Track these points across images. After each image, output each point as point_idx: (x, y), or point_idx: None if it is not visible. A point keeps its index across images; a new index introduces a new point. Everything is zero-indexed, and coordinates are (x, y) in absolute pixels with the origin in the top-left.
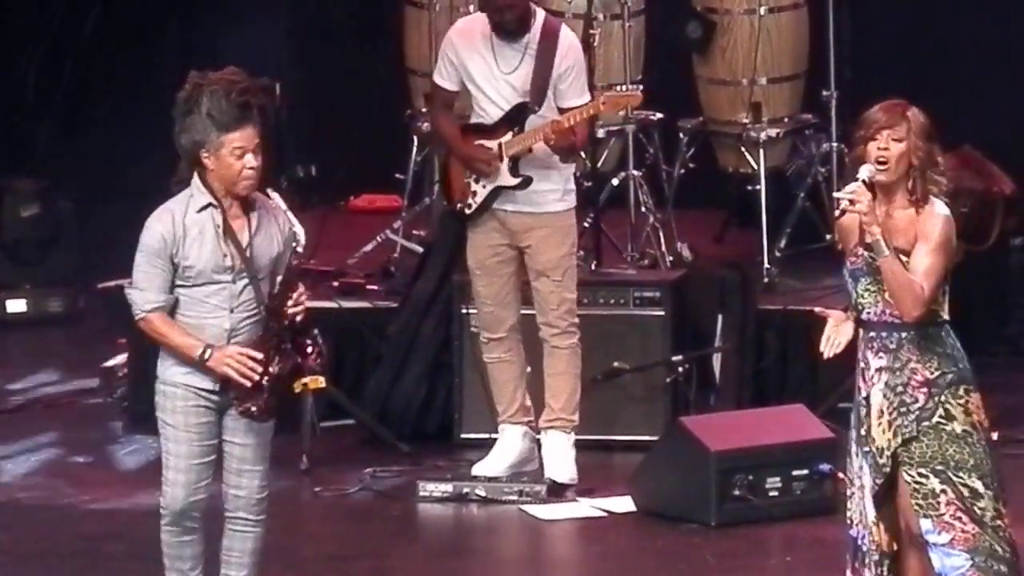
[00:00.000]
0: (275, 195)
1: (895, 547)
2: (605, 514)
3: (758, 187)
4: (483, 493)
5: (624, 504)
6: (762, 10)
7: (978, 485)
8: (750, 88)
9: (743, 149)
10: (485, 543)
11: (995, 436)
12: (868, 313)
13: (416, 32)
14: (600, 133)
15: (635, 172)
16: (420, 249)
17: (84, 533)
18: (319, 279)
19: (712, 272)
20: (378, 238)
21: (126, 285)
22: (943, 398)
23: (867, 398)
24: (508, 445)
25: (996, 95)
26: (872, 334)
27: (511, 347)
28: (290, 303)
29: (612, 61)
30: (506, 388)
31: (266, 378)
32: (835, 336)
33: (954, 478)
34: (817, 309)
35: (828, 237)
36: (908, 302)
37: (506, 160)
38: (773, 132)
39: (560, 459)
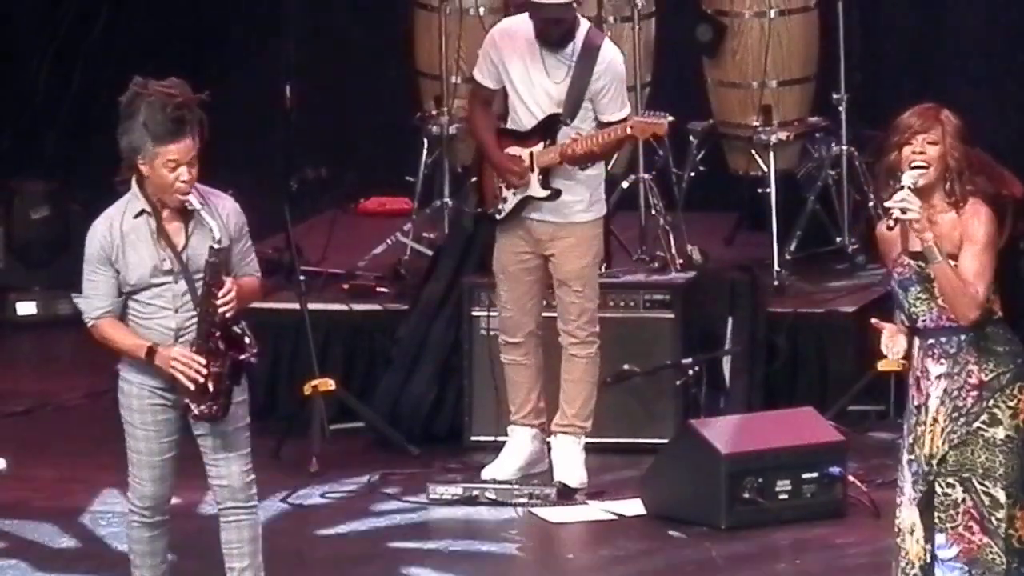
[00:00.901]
0: (191, 196)
1: (925, 560)
2: (615, 517)
3: (768, 190)
4: (493, 496)
5: (634, 507)
6: (772, 13)
7: (1000, 495)
8: (760, 91)
9: (753, 152)
10: (495, 546)
11: None
12: (924, 321)
13: (426, 35)
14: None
15: (645, 175)
16: (430, 252)
17: (94, 536)
18: (330, 281)
19: (722, 275)
20: (388, 240)
21: (73, 295)
22: (992, 402)
23: (920, 407)
24: (518, 447)
25: (1006, 98)
26: (931, 341)
27: (528, 351)
28: (217, 301)
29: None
30: (520, 390)
31: (210, 380)
32: (893, 345)
33: (977, 486)
34: (873, 321)
35: (839, 240)
36: (964, 306)
37: (536, 171)
38: (783, 135)
39: (570, 463)
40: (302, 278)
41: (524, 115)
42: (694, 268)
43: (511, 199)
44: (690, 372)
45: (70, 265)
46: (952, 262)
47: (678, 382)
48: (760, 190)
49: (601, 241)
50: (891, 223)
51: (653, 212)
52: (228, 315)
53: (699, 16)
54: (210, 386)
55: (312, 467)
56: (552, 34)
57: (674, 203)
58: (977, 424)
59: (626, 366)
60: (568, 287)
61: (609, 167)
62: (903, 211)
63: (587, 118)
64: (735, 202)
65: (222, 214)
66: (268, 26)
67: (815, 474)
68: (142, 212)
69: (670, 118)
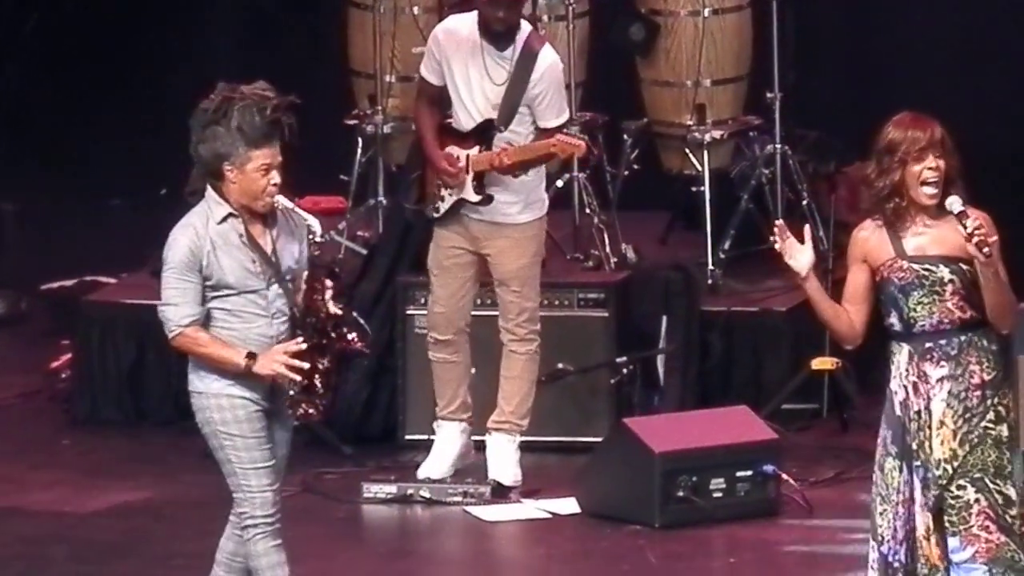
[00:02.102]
0: (279, 196)
1: (946, 563)
2: (549, 515)
3: (702, 189)
4: (427, 494)
5: (568, 505)
6: (706, 12)
7: (1012, 492)
8: (694, 90)
9: (687, 151)
10: (429, 545)
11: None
12: (922, 325)
13: (360, 34)
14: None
15: (579, 174)
16: (364, 251)
17: (27, 536)
18: None
19: (656, 274)
20: (323, 239)
21: (157, 306)
22: (995, 400)
23: (920, 412)
24: (448, 442)
25: (939, 96)
26: (929, 344)
27: (457, 349)
28: (319, 296)
29: None
30: (448, 387)
31: (317, 377)
32: (797, 255)
33: (990, 485)
34: (778, 223)
35: (772, 239)
36: (1011, 316)
37: (471, 175)
38: (717, 134)
39: (505, 462)
40: None
41: (464, 116)
42: (628, 267)
43: (448, 199)
44: (624, 371)
45: (2, 265)
46: (967, 266)
47: (612, 381)
48: (694, 189)
49: (541, 241)
50: (987, 252)
51: (587, 211)
52: (332, 310)
53: (633, 15)
54: (317, 383)
55: None
56: (498, 22)
57: (608, 202)
58: (984, 423)
59: (560, 365)
60: (506, 287)
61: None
62: (986, 239)
63: (525, 123)
64: (669, 201)
65: (291, 219)
66: (201, 25)
67: (749, 472)
68: (227, 217)
69: (586, 137)
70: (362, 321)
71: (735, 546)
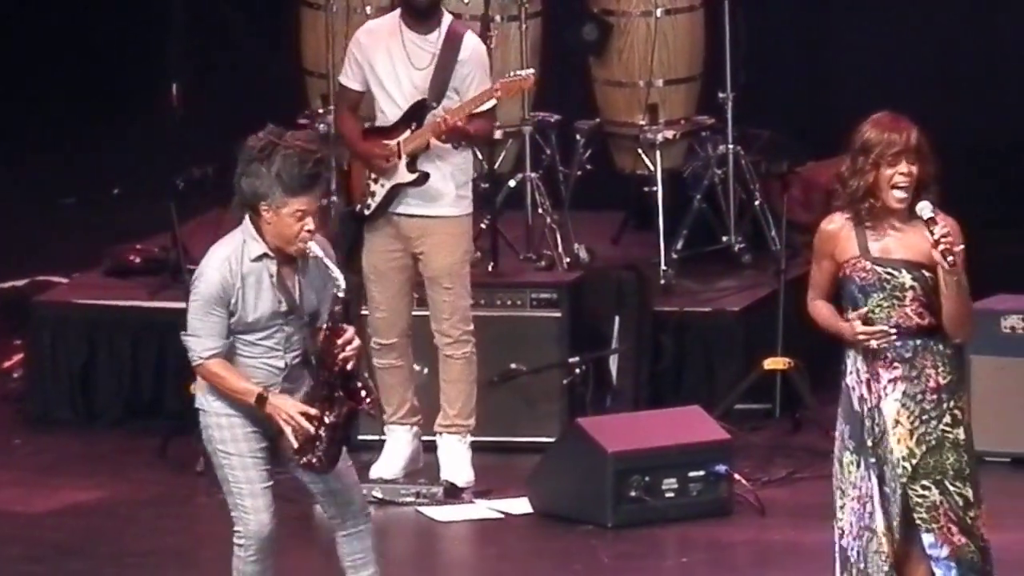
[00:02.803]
0: (312, 243)
1: (906, 557)
2: (502, 515)
3: (655, 189)
4: (379, 495)
5: (521, 505)
6: (658, 12)
7: (970, 494)
8: (647, 90)
9: (640, 151)
10: (381, 545)
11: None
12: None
13: (312, 33)
14: (497, 134)
15: (532, 174)
16: None
17: None
18: None
19: (609, 274)
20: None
21: (182, 333)
22: (951, 404)
23: (873, 410)
24: (398, 446)
25: (891, 96)
26: (884, 346)
27: (401, 352)
28: (337, 350)
29: (509, 63)
30: (395, 392)
31: (323, 429)
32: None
33: (950, 487)
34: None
35: (725, 239)
36: (968, 327)
37: (404, 157)
38: (670, 134)
39: (456, 462)
40: (188, 277)
41: (390, 109)
42: (581, 267)
43: (379, 191)
44: (577, 371)
45: None
46: (929, 273)
47: (565, 381)
48: (646, 189)
49: (470, 239)
50: (952, 260)
51: (540, 211)
52: (349, 365)
53: (585, 15)
54: (322, 434)
55: (199, 466)
56: (419, 1)
57: (561, 202)
58: (941, 426)
59: (513, 365)
60: (439, 284)
61: (496, 165)
62: (952, 247)
63: (454, 106)
64: (622, 201)
65: (319, 267)
66: (155, 24)
67: (701, 472)
68: (262, 256)
69: (533, 70)
70: (368, 383)
71: (687, 546)
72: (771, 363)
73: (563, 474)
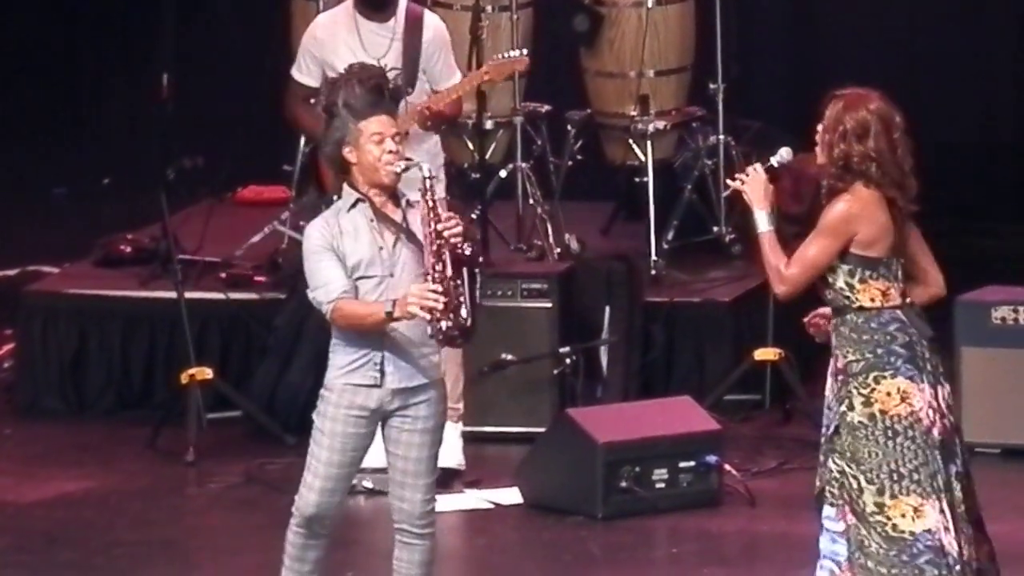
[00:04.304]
0: (400, 165)
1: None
2: (492, 506)
3: (645, 179)
4: (370, 484)
5: (511, 496)
6: (649, 2)
7: (861, 479)
8: (637, 81)
9: (630, 141)
10: (371, 535)
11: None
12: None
13: (303, 23)
14: (488, 124)
15: (523, 164)
16: None
17: None
18: (206, 270)
19: (599, 264)
20: (265, 229)
21: (307, 292)
22: (849, 387)
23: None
24: None
25: (882, 88)
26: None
27: None
28: (440, 226)
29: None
30: None
31: (453, 293)
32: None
33: (847, 469)
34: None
35: (715, 230)
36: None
37: None
38: (660, 124)
39: (448, 446)
40: (179, 267)
41: None
42: (571, 257)
43: None
44: (567, 361)
45: None
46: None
47: (555, 371)
48: (637, 179)
49: None
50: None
51: (531, 201)
52: (455, 240)
53: (576, 6)
54: (454, 296)
55: (188, 456)
56: None
57: (551, 192)
58: (842, 408)
59: (503, 355)
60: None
61: (487, 155)
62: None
63: (422, 91)
64: (612, 191)
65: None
66: (145, 16)
67: (692, 463)
68: (356, 203)
69: (524, 51)
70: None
71: (678, 536)
72: (761, 354)
73: (553, 465)
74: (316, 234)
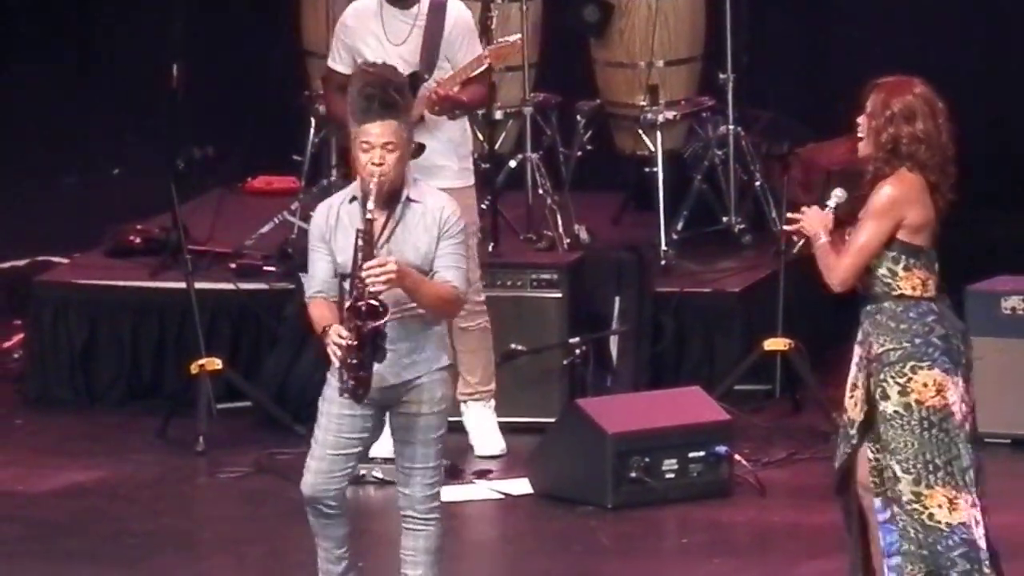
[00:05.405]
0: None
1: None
2: (502, 496)
3: (655, 169)
4: (380, 475)
5: (521, 486)
6: None
7: (897, 468)
8: (647, 71)
9: (640, 131)
10: (382, 525)
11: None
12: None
13: (313, 13)
14: (498, 115)
15: (532, 154)
16: None
17: None
18: (216, 261)
19: (609, 254)
20: (275, 219)
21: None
22: (882, 376)
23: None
24: None
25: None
26: (864, 308)
27: None
28: (363, 272)
29: None
30: None
31: (350, 352)
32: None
33: (883, 459)
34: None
35: (725, 220)
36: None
37: None
38: (670, 114)
39: (486, 432)
40: (188, 257)
41: None
42: (581, 248)
43: None
44: (577, 352)
45: None
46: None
47: (565, 362)
48: (647, 170)
49: (475, 211)
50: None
51: (540, 191)
52: (373, 288)
53: None
54: (349, 358)
55: (199, 446)
56: None
57: (561, 183)
58: (878, 396)
59: (513, 346)
60: None
61: (496, 146)
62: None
63: (445, 75)
64: (622, 182)
65: (433, 207)
66: (155, 5)
67: (701, 453)
68: (353, 199)
69: (519, 35)
70: (384, 306)
71: (687, 527)
72: (771, 344)
73: (563, 455)
74: (317, 220)
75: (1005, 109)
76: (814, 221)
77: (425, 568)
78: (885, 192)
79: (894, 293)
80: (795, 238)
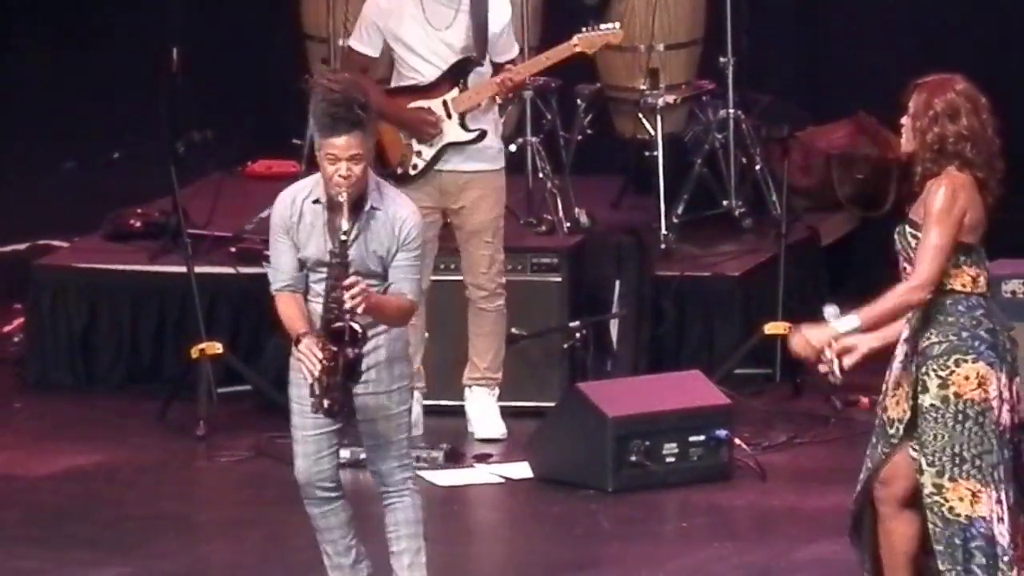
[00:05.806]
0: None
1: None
2: (502, 480)
3: (655, 153)
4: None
5: (521, 470)
6: None
7: (922, 461)
8: (647, 54)
9: (640, 115)
10: (382, 509)
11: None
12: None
13: None
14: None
15: (533, 138)
16: None
17: None
18: (216, 245)
19: (609, 238)
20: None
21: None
22: (924, 369)
23: (889, 367)
24: None
25: (890, 61)
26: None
27: (419, 313)
28: (343, 294)
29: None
30: None
31: (324, 374)
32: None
33: (913, 452)
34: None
35: (725, 203)
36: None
37: (455, 116)
38: (670, 98)
39: (487, 416)
40: (188, 241)
41: (425, 68)
42: (581, 231)
43: (427, 152)
44: (577, 335)
45: None
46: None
47: (565, 345)
48: (647, 153)
49: (505, 192)
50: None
51: (540, 175)
52: (353, 311)
53: None
54: (324, 379)
55: (199, 431)
56: None
57: (561, 166)
58: (918, 390)
59: (513, 329)
60: (479, 238)
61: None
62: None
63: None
64: (622, 165)
65: (393, 217)
66: None
67: (702, 437)
68: (316, 201)
69: (617, 24)
70: (363, 330)
71: (688, 510)
72: (771, 328)
73: (563, 439)
74: (280, 211)
75: (1006, 92)
76: (821, 337)
77: (408, 540)
78: (941, 192)
79: (944, 289)
80: (831, 378)
